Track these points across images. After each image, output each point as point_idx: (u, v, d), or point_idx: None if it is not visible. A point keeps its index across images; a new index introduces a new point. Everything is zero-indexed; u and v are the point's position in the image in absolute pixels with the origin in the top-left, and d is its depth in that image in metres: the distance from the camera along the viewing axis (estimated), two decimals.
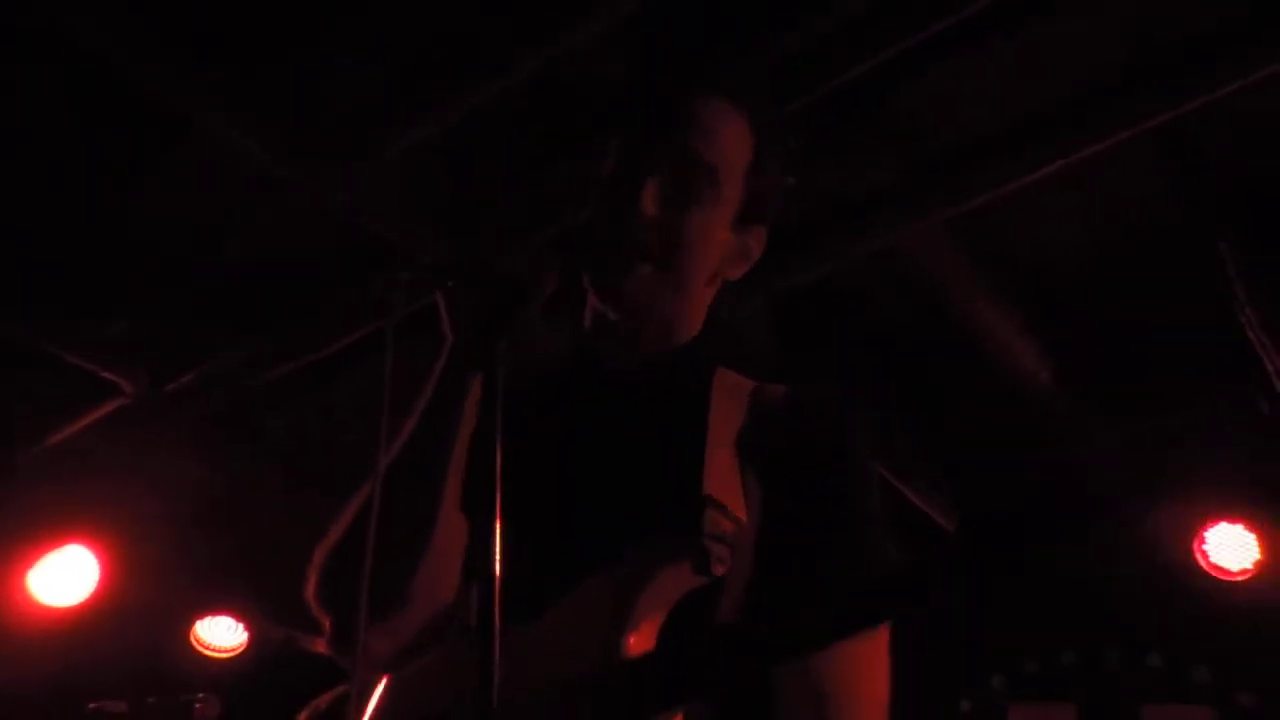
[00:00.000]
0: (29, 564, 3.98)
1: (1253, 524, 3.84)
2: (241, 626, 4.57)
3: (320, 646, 1.29)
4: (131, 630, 4.23)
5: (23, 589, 3.96)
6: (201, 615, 4.51)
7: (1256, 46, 2.40)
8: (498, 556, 0.99)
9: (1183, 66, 2.49)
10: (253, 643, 4.59)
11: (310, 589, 1.29)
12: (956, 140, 2.83)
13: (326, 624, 1.28)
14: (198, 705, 2.72)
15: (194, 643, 4.50)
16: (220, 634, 4.55)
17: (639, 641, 1.13)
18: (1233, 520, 3.85)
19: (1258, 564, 3.83)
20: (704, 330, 1.44)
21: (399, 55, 2.66)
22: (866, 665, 1.21)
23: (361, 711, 1.23)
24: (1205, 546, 3.88)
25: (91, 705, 2.75)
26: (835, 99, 2.60)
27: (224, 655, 4.55)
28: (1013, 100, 2.73)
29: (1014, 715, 4.34)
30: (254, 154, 2.74)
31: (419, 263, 1.27)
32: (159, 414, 3.60)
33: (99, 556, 4.06)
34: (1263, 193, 2.76)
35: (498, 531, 1.00)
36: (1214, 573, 3.86)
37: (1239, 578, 3.85)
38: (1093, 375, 3.61)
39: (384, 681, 1.30)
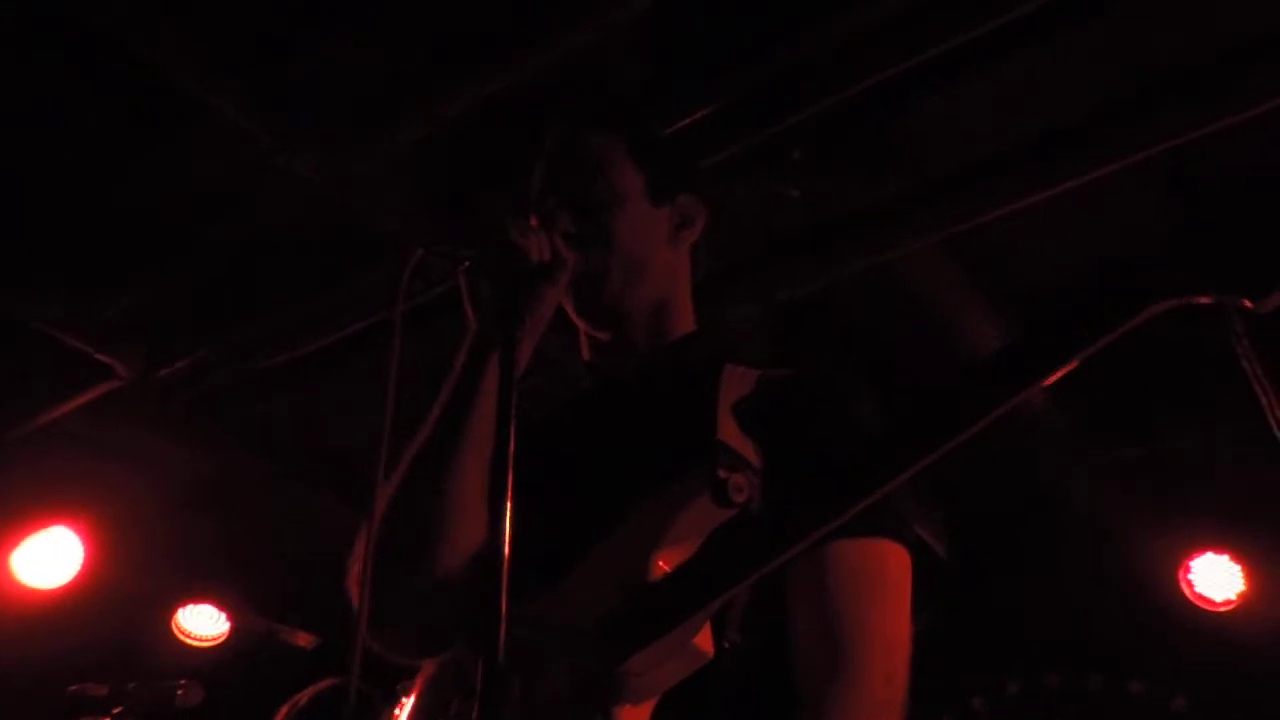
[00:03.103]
0: (12, 544, 3.97)
1: (1239, 555, 3.85)
2: (224, 616, 4.55)
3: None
4: (113, 615, 4.21)
5: (5, 569, 3.95)
6: (184, 603, 4.49)
7: (1261, 77, 2.41)
8: (507, 540, 1.01)
9: (1185, 95, 2.50)
10: (234, 633, 4.58)
11: (351, 576, 1.33)
12: (957, 160, 2.84)
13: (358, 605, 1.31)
14: (180, 691, 2.70)
15: (175, 631, 4.49)
16: (202, 623, 4.54)
17: (667, 565, 1.13)
18: (1219, 551, 3.86)
19: (1242, 595, 3.84)
20: (704, 331, 1.52)
21: (404, 47, 2.66)
22: (879, 591, 1.24)
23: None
24: (1190, 576, 3.88)
25: (72, 687, 2.73)
26: (837, 115, 2.61)
27: (205, 644, 4.53)
28: (1015, 122, 2.74)
29: None
30: (255, 138, 2.74)
31: (436, 243, 1.28)
32: (151, 398, 3.59)
33: (84, 539, 4.04)
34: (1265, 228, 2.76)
35: (508, 511, 1.02)
36: (1198, 602, 3.87)
37: (1223, 608, 3.86)
38: (1087, 400, 3.61)
39: (414, 690, 1.33)
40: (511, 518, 1.03)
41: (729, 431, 1.26)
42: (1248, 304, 0.86)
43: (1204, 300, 0.88)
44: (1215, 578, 3.86)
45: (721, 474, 1.13)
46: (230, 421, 3.92)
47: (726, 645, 1.16)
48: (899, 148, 2.86)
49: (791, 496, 1.07)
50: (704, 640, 1.10)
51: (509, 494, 1.03)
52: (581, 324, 1.50)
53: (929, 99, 2.64)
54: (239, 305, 3.38)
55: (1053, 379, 0.93)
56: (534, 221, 1.34)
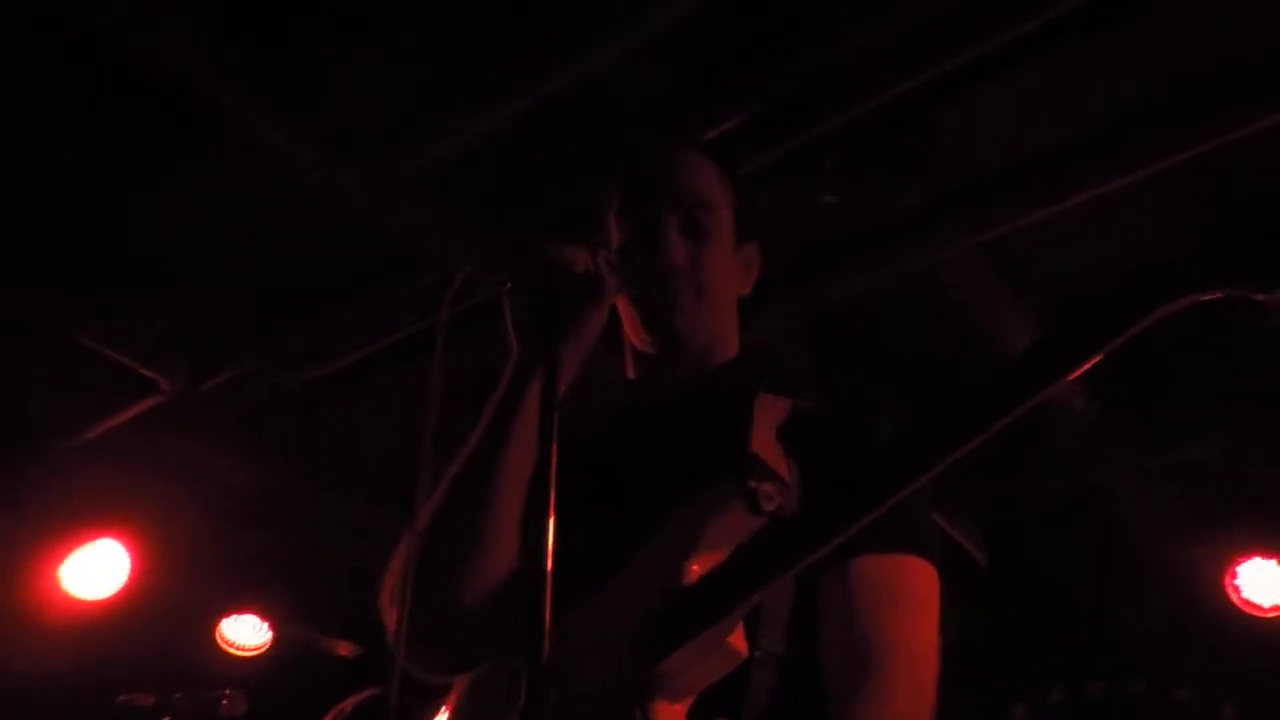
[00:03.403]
0: (61, 556, 4.04)
1: None
2: (266, 626, 4.60)
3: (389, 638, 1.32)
4: (159, 625, 4.27)
5: (54, 581, 4.02)
6: (227, 613, 4.55)
7: None
8: (550, 558, 1.03)
9: (1216, 100, 2.48)
10: (276, 642, 4.63)
11: (385, 593, 1.35)
12: (993, 165, 2.82)
13: (392, 621, 1.32)
14: (225, 701, 2.74)
15: (219, 640, 4.54)
16: (245, 632, 4.58)
17: (702, 570, 1.15)
18: (1268, 555, 3.79)
19: None
20: (743, 356, 1.54)
21: (438, 62, 2.68)
22: (909, 606, 1.25)
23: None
24: (1237, 581, 3.82)
25: (120, 697, 2.78)
26: (871, 120, 2.60)
27: (248, 654, 4.58)
28: (1050, 127, 2.72)
29: None
30: (294, 155, 2.77)
31: (478, 264, 1.28)
32: (195, 412, 3.64)
33: (130, 551, 4.11)
34: None
35: (550, 530, 1.04)
36: (1245, 608, 3.80)
37: (1271, 614, 3.79)
38: (1129, 405, 3.57)
39: (452, 700, 1.35)
40: (552, 534, 1.05)
41: (762, 447, 1.28)
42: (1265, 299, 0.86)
43: (1234, 295, 0.87)
44: (1264, 583, 3.80)
45: (753, 484, 1.14)
46: (272, 434, 3.97)
47: (759, 653, 1.18)
48: (929, 154, 2.85)
49: (818, 502, 1.09)
50: (738, 640, 1.12)
51: (551, 510, 1.05)
52: (637, 340, 1.50)
53: (958, 106, 2.62)
54: (279, 320, 3.42)
55: (1076, 374, 0.93)
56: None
